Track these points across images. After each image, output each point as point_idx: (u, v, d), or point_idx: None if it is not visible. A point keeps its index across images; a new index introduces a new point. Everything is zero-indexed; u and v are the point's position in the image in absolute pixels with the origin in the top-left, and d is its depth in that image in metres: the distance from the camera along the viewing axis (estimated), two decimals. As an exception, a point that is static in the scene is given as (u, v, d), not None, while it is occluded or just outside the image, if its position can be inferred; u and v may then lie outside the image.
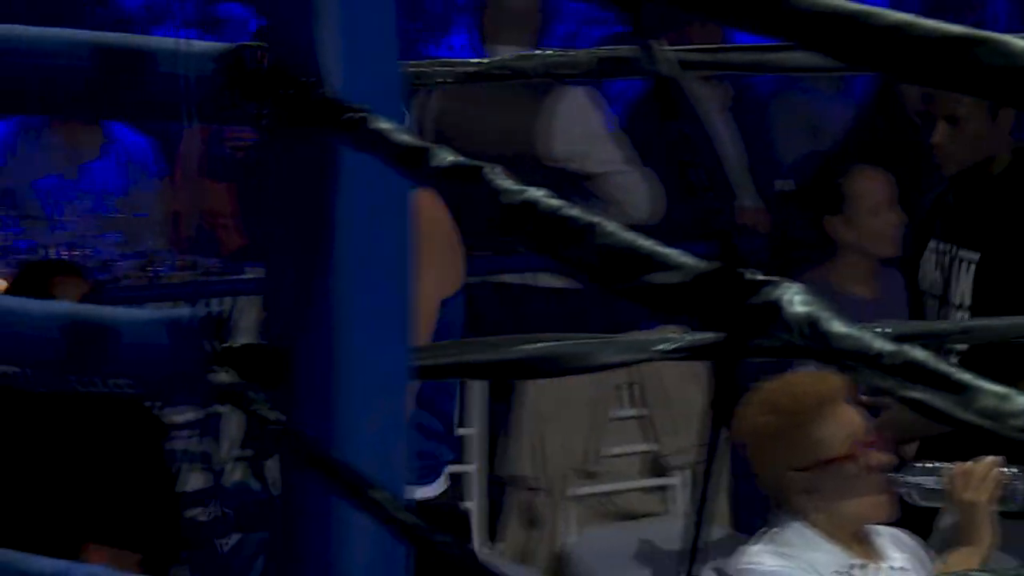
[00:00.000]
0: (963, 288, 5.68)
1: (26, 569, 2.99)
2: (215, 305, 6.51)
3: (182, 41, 2.71)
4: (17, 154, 8.45)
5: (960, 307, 5.73)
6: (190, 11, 9.16)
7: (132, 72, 2.80)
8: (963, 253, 5.75)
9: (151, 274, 7.73)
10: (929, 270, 5.92)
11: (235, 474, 6.72)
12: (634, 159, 7.80)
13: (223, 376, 2.72)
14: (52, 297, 4.56)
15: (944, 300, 5.81)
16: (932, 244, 5.85)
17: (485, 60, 3.25)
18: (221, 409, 6.14)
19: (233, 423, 6.43)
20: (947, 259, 5.74)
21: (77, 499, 5.00)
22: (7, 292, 5.79)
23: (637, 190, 7.71)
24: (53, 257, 7.45)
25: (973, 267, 5.67)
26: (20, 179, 8.39)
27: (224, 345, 2.74)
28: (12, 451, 5.02)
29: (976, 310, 5.75)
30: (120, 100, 2.93)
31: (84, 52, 2.84)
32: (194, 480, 6.47)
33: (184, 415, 6.38)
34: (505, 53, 5.01)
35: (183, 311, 2.82)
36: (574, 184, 7.56)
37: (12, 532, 3.34)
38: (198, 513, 6.44)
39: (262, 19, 8.34)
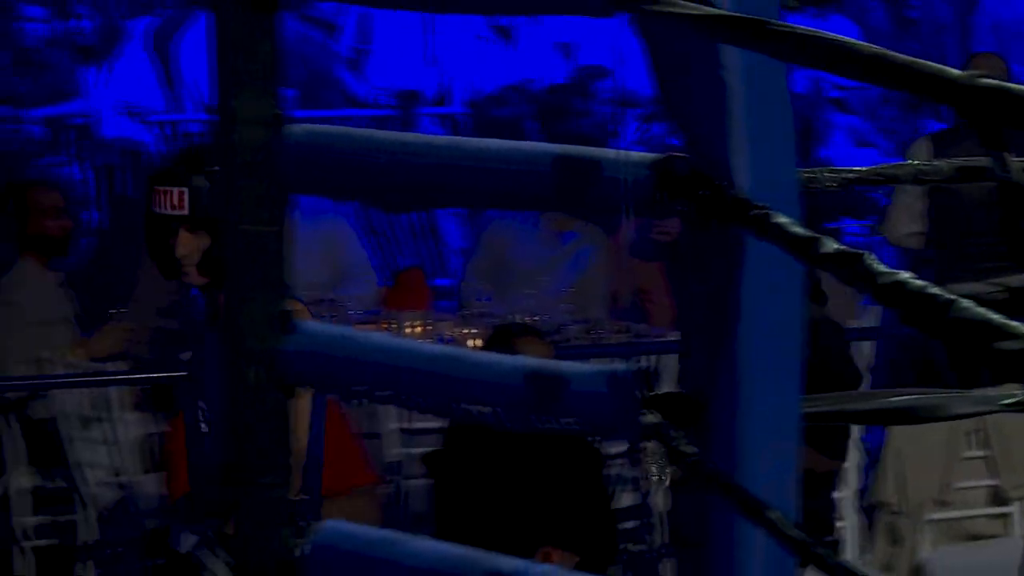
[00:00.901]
0: None
1: (492, 566, 3.01)
2: (643, 361, 6.53)
3: (623, 152, 2.72)
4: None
5: None
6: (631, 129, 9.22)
7: (584, 176, 2.81)
8: None
9: (594, 336, 7.80)
10: None
11: (656, 496, 6.73)
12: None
13: (650, 417, 2.71)
14: (517, 354, 4.61)
15: None
16: None
17: (864, 168, 3.20)
18: (647, 443, 6.16)
19: (655, 456, 6.43)
20: None
21: (534, 511, 5.04)
22: (482, 349, 5.88)
23: None
24: (519, 321, 7.55)
25: None
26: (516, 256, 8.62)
27: (651, 393, 2.74)
28: (486, 473, 5.11)
29: None
30: (575, 198, 2.92)
31: (547, 160, 2.87)
32: (625, 498, 6.48)
33: (617, 447, 6.40)
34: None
35: (619, 366, 2.81)
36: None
37: (480, 537, 3.36)
38: (628, 525, 6.44)
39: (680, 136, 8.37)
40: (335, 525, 3.26)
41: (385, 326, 7.33)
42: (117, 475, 7.08)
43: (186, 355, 6.99)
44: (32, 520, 7.14)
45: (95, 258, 8.91)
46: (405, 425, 7.33)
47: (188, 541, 4.75)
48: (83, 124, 10.14)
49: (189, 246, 4.06)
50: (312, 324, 3.29)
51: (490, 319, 7.72)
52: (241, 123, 3.15)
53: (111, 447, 7.04)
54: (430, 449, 5.80)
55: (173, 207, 4.04)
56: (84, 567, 7.01)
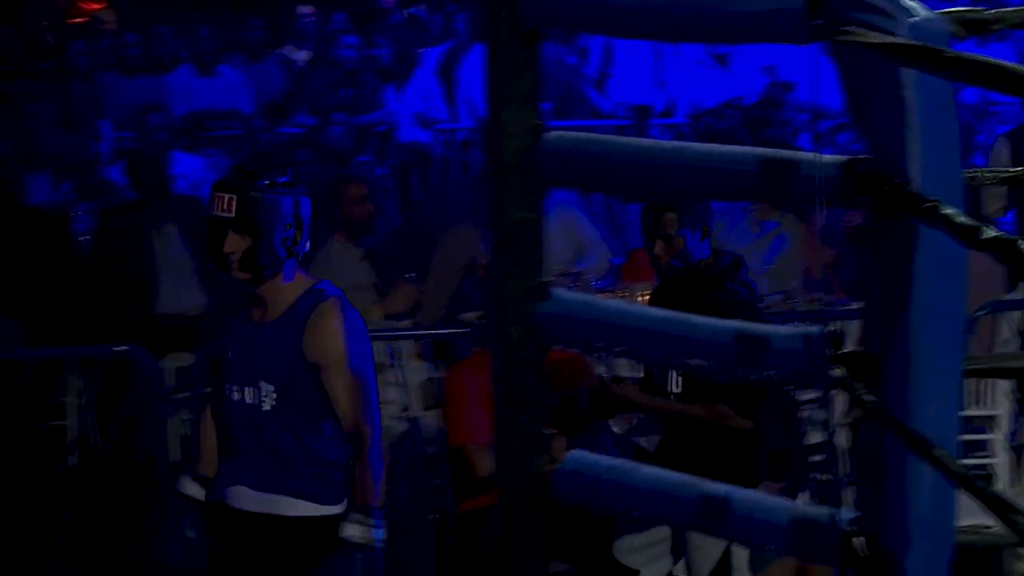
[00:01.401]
0: None
1: (704, 489, 2.99)
2: (831, 326, 6.44)
3: (816, 155, 2.69)
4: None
5: None
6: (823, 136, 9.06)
7: (785, 174, 2.79)
8: None
9: (790, 305, 7.72)
10: None
11: (840, 435, 6.64)
12: None
13: (837, 371, 2.69)
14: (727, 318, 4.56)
15: None
16: None
17: (1019, 168, 3.13)
18: (833, 393, 6.10)
19: (840, 402, 6.33)
20: None
21: (739, 445, 5.00)
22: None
23: None
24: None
25: None
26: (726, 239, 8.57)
27: (837, 351, 2.71)
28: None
29: None
30: (777, 192, 2.90)
31: (754, 161, 2.85)
32: (814, 436, 6.39)
33: (809, 395, 6.32)
34: None
35: (812, 328, 2.79)
36: None
37: (694, 466, 3.34)
38: (816, 459, 6.35)
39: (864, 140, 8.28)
40: (578, 454, 3.26)
41: (620, 295, 7.30)
42: (405, 411, 7.16)
43: (468, 315, 7.07)
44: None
45: (390, 237, 8.96)
46: (636, 374, 7.31)
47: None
48: (384, 131, 10.20)
49: (233, 245, 3.88)
50: (563, 292, 3.29)
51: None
52: (507, 132, 3.17)
53: (400, 388, 7.10)
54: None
55: (223, 210, 3.86)
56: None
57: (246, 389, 4.00)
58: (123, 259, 7.89)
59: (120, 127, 9.69)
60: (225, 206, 3.85)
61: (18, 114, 9.31)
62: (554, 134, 3.17)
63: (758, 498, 3.05)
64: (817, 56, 9.23)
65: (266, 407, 3.97)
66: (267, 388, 3.97)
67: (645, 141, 3.48)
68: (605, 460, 3.26)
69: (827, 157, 2.70)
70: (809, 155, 2.72)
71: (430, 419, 7.06)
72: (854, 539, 2.66)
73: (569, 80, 10.31)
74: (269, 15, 10.96)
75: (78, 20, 11.02)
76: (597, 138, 3.29)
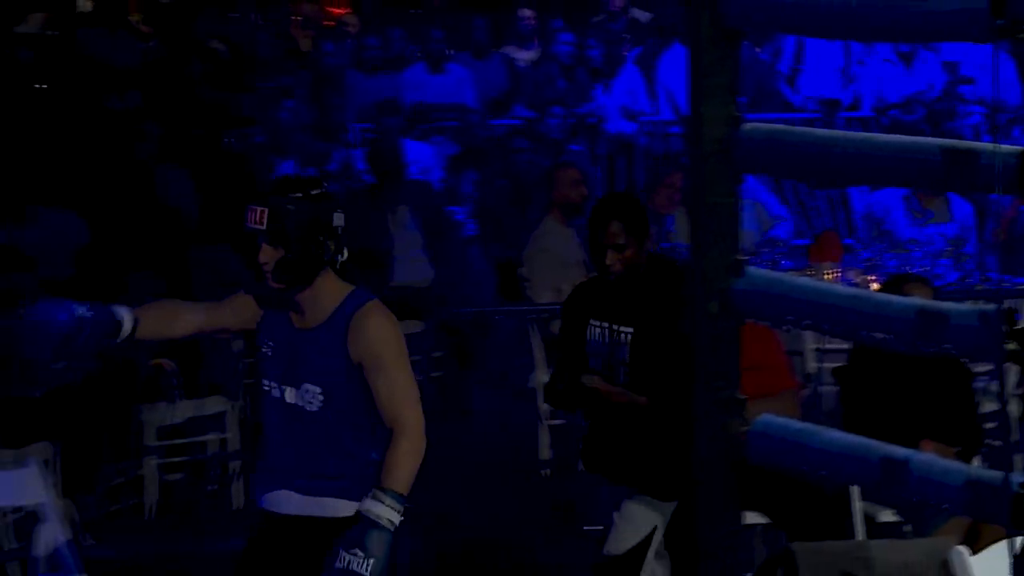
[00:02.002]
0: None
1: (886, 452, 2.97)
2: (1006, 303, 6.29)
3: (995, 145, 2.65)
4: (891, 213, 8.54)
5: None
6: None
7: (966, 163, 2.74)
8: None
9: (967, 284, 7.62)
10: None
11: (1012, 404, 6.49)
12: None
13: (1011, 345, 2.67)
14: (908, 296, 4.48)
15: None
16: None
17: None
18: (1007, 365, 5.94)
19: (1013, 373, 6.18)
20: None
21: (919, 412, 4.92)
22: (880, 291, 5.75)
23: None
24: (907, 272, 7.39)
25: None
26: (894, 226, 8.50)
27: (1012, 327, 2.68)
28: (882, 383, 4.98)
29: None
30: (958, 179, 2.85)
31: (936, 151, 2.81)
32: (988, 406, 6.24)
33: (983, 367, 6.18)
34: None
35: (988, 307, 2.75)
36: None
37: (877, 431, 3.30)
38: (989, 426, 6.22)
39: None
40: (768, 418, 3.25)
41: (808, 273, 7.24)
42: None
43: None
44: (545, 408, 7.28)
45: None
46: (820, 346, 7.24)
47: None
48: (594, 122, 10.24)
49: (267, 256, 3.68)
50: (756, 269, 3.28)
51: (884, 269, 7.60)
52: (707, 123, 3.17)
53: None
54: (839, 364, 5.72)
55: (256, 223, 3.67)
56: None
57: (288, 389, 3.81)
58: (364, 236, 8.06)
59: (361, 119, 9.92)
60: (257, 219, 3.69)
61: (274, 108, 9.55)
62: (749, 125, 3.17)
63: (935, 461, 3.00)
64: (995, 54, 9.06)
65: (312, 408, 3.78)
66: (313, 390, 3.77)
67: (834, 132, 3.47)
68: (793, 423, 3.25)
69: (1005, 147, 2.66)
70: (988, 145, 2.67)
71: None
72: (1026, 501, 2.62)
73: (763, 76, 10.24)
74: (493, 17, 11.04)
75: (327, 24, 11.25)
76: (789, 129, 3.27)
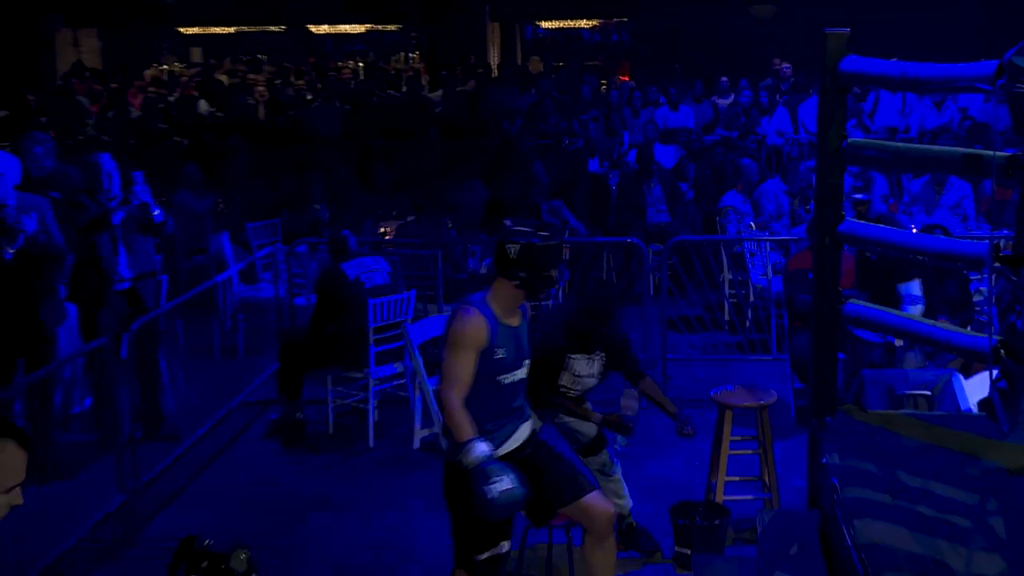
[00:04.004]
0: None
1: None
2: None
3: (992, 152, 2.66)
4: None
5: None
6: None
7: (975, 162, 2.75)
8: None
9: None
10: None
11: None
12: None
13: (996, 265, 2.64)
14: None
15: None
16: None
17: None
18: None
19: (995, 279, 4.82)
20: None
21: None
22: None
23: None
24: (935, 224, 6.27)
25: None
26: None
27: (999, 254, 2.67)
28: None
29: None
30: (970, 172, 2.84)
31: (958, 155, 2.84)
32: (977, 297, 5.67)
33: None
34: None
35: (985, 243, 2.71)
36: None
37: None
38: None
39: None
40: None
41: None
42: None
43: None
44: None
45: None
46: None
47: None
48: (759, 138, 10.72)
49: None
50: (851, 219, 3.24)
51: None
52: (829, 138, 3.22)
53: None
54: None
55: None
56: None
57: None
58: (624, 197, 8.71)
59: (632, 133, 11.07)
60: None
61: (588, 127, 10.68)
62: (851, 140, 3.23)
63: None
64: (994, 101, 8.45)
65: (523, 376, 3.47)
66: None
67: (895, 142, 3.37)
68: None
69: (999, 154, 2.66)
70: (988, 152, 2.71)
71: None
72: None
73: (855, 112, 10.32)
74: (705, 79, 12.24)
75: (621, 79, 13.33)
76: (871, 141, 3.33)
